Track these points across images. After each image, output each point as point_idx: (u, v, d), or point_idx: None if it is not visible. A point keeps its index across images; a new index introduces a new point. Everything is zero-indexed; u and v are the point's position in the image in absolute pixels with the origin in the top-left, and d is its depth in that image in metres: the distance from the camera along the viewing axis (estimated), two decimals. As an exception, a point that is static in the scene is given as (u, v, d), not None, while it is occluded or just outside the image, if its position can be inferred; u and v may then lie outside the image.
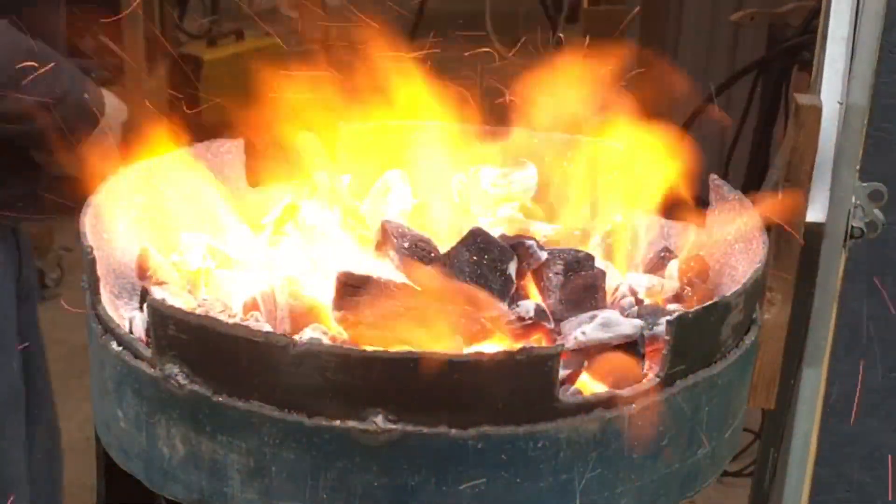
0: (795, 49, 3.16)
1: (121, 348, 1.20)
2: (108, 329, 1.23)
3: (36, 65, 1.77)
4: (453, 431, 1.06)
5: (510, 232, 1.46)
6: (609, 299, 1.36)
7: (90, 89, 1.97)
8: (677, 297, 1.41)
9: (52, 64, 1.80)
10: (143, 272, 1.39)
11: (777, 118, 3.34)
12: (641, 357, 1.23)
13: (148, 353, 1.15)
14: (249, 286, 1.35)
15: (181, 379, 1.12)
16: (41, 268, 3.96)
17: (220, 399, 1.10)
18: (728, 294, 1.19)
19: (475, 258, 1.30)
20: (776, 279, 1.50)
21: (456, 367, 1.05)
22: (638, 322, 1.25)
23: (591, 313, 1.27)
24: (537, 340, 1.27)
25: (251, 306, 1.31)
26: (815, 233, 1.48)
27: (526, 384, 1.06)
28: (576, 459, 1.10)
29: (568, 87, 1.50)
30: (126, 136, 2.05)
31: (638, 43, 4.46)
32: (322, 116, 1.56)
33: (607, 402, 1.11)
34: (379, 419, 1.06)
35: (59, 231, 4.04)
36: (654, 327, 1.26)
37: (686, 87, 1.46)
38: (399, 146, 1.64)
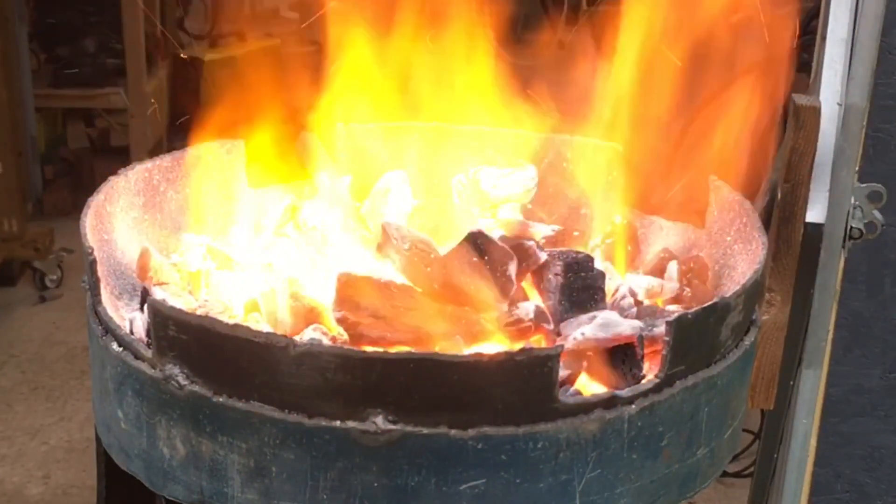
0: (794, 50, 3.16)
1: (121, 349, 1.20)
2: (109, 330, 1.23)
3: None
4: (453, 432, 1.07)
5: (510, 233, 1.46)
6: (609, 300, 1.36)
7: None
8: (677, 298, 1.41)
9: None
10: (143, 273, 1.39)
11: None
12: (641, 358, 1.24)
13: (148, 353, 1.16)
14: (250, 287, 1.35)
15: (181, 379, 1.12)
16: (41, 269, 3.96)
17: (221, 399, 1.10)
18: (727, 295, 1.19)
19: (475, 260, 1.30)
20: (776, 280, 1.50)
21: (456, 368, 1.05)
22: (637, 323, 1.25)
23: (590, 314, 1.27)
24: (537, 341, 1.28)
25: (252, 307, 1.31)
26: (814, 234, 1.48)
27: (526, 385, 1.07)
28: (575, 460, 1.10)
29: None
30: None
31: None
32: (322, 117, 1.57)
33: (607, 403, 1.11)
34: (379, 420, 1.06)
35: (60, 232, 4.05)
36: (654, 328, 1.26)
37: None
38: (399, 147, 1.64)
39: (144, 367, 1.16)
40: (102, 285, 1.26)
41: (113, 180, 1.42)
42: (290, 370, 1.06)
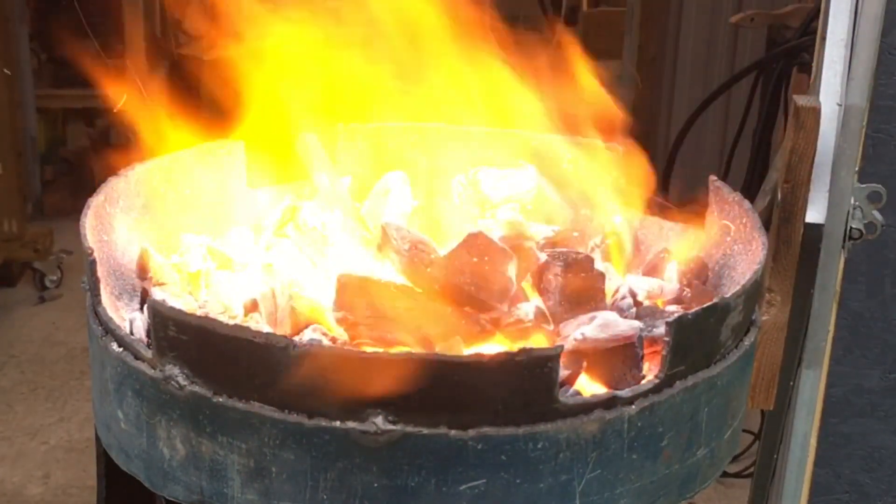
0: (795, 50, 3.17)
1: (121, 349, 1.20)
2: (109, 330, 1.23)
3: None
4: (453, 432, 1.07)
5: (510, 233, 1.46)
6: (609, 300, 1.36)
7: None
8: (677, 299, 1.41)
9: None
10: (143, 273, 1.39)
11: (777, 119, 3.34)
12: (640, 359, 1.24)
13: (148, 354, 1.16)
14: (250, 287, 1.35)
15: (181, 380, 1.12)
16: (41, 270, 3.96)
17: (221, 400, 1.10)
18: (727, 295, 1.19)
19: (475, 260, 1.30)
20: (776, 280, 1.50)
21: (456, 369, 1.05)
22: (637, 323, 1.25)
23: (590, 315, 1.27)
24: (537, 342, 1.28)
25: (251, 307, 1.31)
26: (814, 234, 1.49)
27: (525, 385, 1.07)
28: (575, 460, 1.10)
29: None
30: None
31: (637, 44, 4.48)
32: (323, 117, 1.57)
33: (607, 403, 1.11)
34: (379, 420, 1.06)
35: (60, 233, 4.05)
36: (654, 329, 1.26)
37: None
38: (399, 147, 1.64)
39: (144, 367, 1.16)
40: (102, 286, 1.26)
41: (113, 180, 1.42)
42: (289, 371, 1.06)
